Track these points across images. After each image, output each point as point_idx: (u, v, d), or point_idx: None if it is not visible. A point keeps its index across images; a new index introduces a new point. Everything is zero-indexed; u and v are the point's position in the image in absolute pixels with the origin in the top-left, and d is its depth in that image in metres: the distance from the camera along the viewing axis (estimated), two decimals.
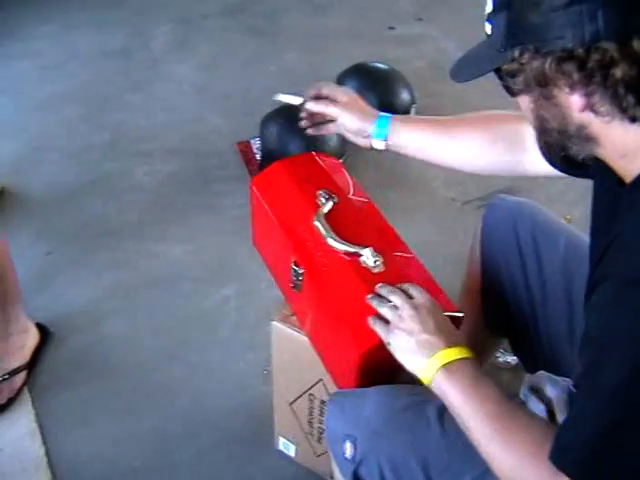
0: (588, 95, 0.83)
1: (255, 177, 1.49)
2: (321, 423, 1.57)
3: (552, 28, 0.81)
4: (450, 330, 1.08)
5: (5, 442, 1.81)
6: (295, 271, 1.32)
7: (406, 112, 2.69)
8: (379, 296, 1.16)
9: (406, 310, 1.08)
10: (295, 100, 1.38)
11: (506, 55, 0.87)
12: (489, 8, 0.89)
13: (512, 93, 0.92)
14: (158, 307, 2.15)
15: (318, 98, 1.40)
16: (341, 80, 2.74)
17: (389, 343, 1.09)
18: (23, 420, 1.85)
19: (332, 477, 1.58)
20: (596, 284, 0.88)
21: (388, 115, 1.36)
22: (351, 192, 1.43)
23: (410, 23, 3.53)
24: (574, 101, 0.84)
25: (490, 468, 0.95)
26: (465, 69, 0.97)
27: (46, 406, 1.89)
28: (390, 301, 1.12)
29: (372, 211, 1.43)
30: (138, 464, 1.77)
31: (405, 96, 2.69)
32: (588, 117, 0.86)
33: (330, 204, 1.36)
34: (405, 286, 1.15)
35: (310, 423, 1.60)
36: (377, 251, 1.27)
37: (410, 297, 1.12)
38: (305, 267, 1.30)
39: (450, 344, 1.04)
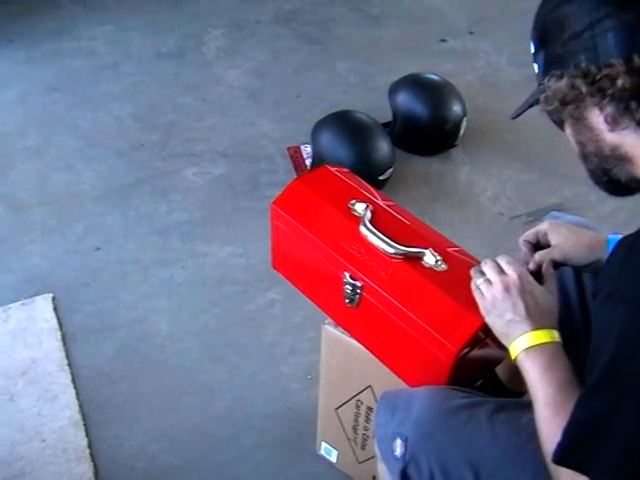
0: (603, 108, 0.94)
1: (276, 199, 1.45)
2: (366, 430, 1.57)
3: (570, 54, 0.95)
4: (540, 309, 1.11)
5: (48, 432, 1.83)
6: (352, 285, 1.31)
7: (457, 125, 2.69)
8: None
9: (499, 292, 1.12)
10: None
11: (542, 88, 1.02)
12: (532, 50, 1.05)
13: (560, 126, 1.06)
14: (204, 307, 2.16)
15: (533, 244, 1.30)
16: (393, 90, 2.74)
17: (485, 317, 1.14)
18: (67, 411, 1.88)
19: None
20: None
21: (616, 237, 1.23)
22: (378, 197, 1.43)
23: (462, 37, 3.52)
24: (602, 122, 0.96)
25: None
26: (518, 108, 1.13)
27: (90, 398, 1.91)
28: (484, 273, 1.16)
29: (405, 213, 1.42)
30: (179, 462, 1.79)
31: (457, 109, 2.67)
32: (619, 137, 0.96)
33: (369, 213, 1.35)
34: (496, 258, 1.17)
35: (355, 429, 1.59)
36: (435, 250, 1.27)
37: (502, 270, 1.14)
38: (364, 279, 1.29)
39: (537, 327, 1.08)
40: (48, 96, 3.04)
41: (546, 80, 1.00)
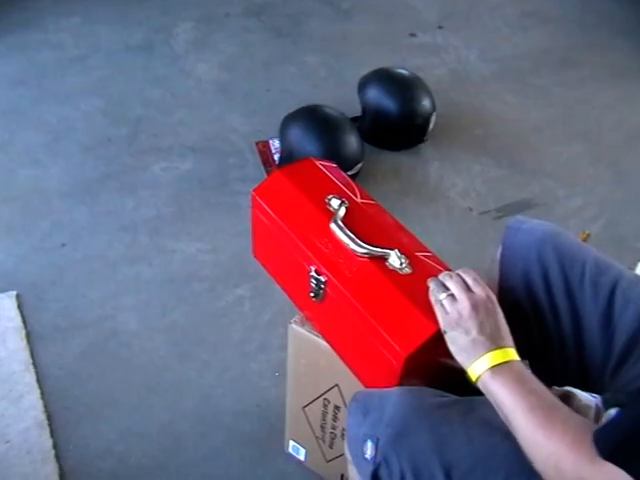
0: None
1: (257, 187, 1.45)
2: (334, 428, 1.57)
3: None
4: (504, 330, 1.11)
5: (13, 433, 1.81)
6: (316, 280, 1.30)
7: (426, 120, 2.68)
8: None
9: (466, 308, 1.10)
10: None
11: None
12: None
13: None
14: (172, 305, 2.14)
15: None
16: (362, 85, 2.73)
17: (445, 332, 1.12)
18: (32, 411, 1.85)
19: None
20: None
21: None
22: (358, 195, 1.42)
23: (431, 31, 3.52)
24: None
25: (530, 458, 0.97)
26: None
27: (56, 398, 1.89)
28: (447, 287, 1.14)
29: (383, 213, 1.42)
30: (147, 461, 1.77)
31: (426, 103, 2.67)
32: None
33: (343, 209, 1.34)
34: (462, 273, 1.16)
35: (322, 428, 1.59)
36: (402, 252, 1.26)
37: (468, 287, 1.13)
38: (328, 275, 1.28)
39: (500, 346, 1.07)
40: (13, 90, 2.99)
41: None
